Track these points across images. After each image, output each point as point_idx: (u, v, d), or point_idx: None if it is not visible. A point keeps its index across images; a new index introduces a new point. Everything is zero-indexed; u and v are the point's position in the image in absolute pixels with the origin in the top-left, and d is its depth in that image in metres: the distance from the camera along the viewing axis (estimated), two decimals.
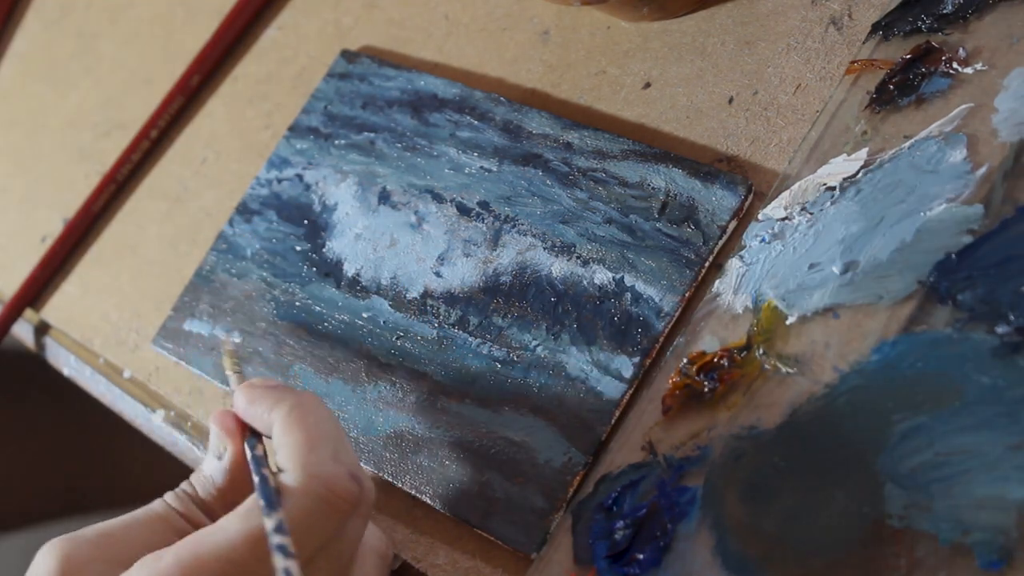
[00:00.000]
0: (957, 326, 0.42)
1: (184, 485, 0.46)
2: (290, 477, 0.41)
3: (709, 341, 0.47)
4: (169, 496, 0.45)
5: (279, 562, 0.38)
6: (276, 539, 0.39)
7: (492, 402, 0.51)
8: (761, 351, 0.46)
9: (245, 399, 0.45)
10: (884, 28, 0.50)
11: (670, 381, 0.47)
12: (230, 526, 0.40)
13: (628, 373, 0.49)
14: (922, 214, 0.45)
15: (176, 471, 0.75)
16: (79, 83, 0.76)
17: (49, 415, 1.07)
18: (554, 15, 0.59)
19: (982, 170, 0.44)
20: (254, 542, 0.40)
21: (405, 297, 0.55)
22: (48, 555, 0.42)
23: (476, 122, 0.57)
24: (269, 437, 0.44)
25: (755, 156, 0.51)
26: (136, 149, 0.69)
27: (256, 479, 0.42)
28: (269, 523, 0.40)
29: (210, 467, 0.46)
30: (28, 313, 0.70)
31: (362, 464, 0.52)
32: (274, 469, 0.42)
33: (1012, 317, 0.41)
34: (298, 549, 0.40)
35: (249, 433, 0.45)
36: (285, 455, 0.42)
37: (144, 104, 0.71)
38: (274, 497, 0.41)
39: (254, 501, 0.41)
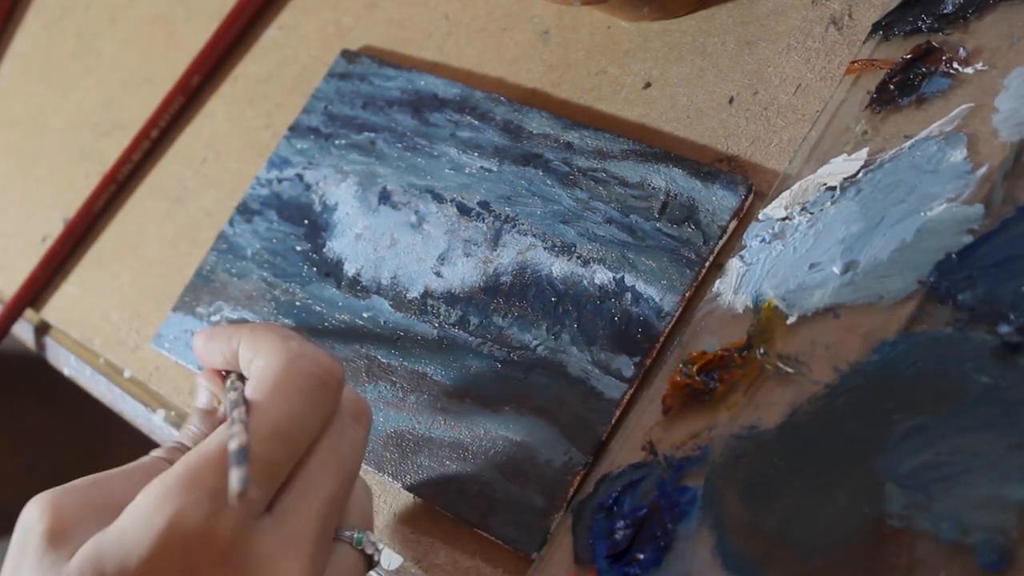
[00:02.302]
0: (957, 326, 0.42)
1: (171, 441, 0.46)
2: (273, 363, 0.41)
3: (709, 341, 0.47)
4: (158, 451, 0.45)
5: (234, 424, 0.39)
6: (234, 411, 0.39)
7: (492, 402, 0.51)
8: (761, 351, 0.46)
9: (203, 337, 0.45)
10: (884, 28, 0.50)
11: (670, 381, 0.47)
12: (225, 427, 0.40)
13: (628, 373, 0.49)
14: (922, 214, 0.45)
15: None
16: (79, 83, 0.76)
17: (49, 415, 1.07)
18: (554, 15, 0.59)
19: (982, 170, 0.44)
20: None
21: (405, 297, 0.55)
22: (35, 508, 0.40)
23: (476, 122, 0.57)
24: (237, 373, 0.44)
25: (755, 156, 0.51)
26: (136, 149, 0.69)
27: (228, 381, 0.43)
28: (229, 398, 0.40)
29: (194, 417, 0.46)
30: (28, 313, 0.70)
31: (362, 464, 0.53)
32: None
33: (1012, 317, 0.41)
34: (297, 431, 0.40)
35: (226, 374, 0.45)
36: (262, 353, 0.42)
37: (144, 104, 0.71)
38: (241, 394, 0.41)
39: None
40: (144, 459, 0.44)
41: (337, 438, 0.42)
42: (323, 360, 0.41)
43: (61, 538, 0.39)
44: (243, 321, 0.58)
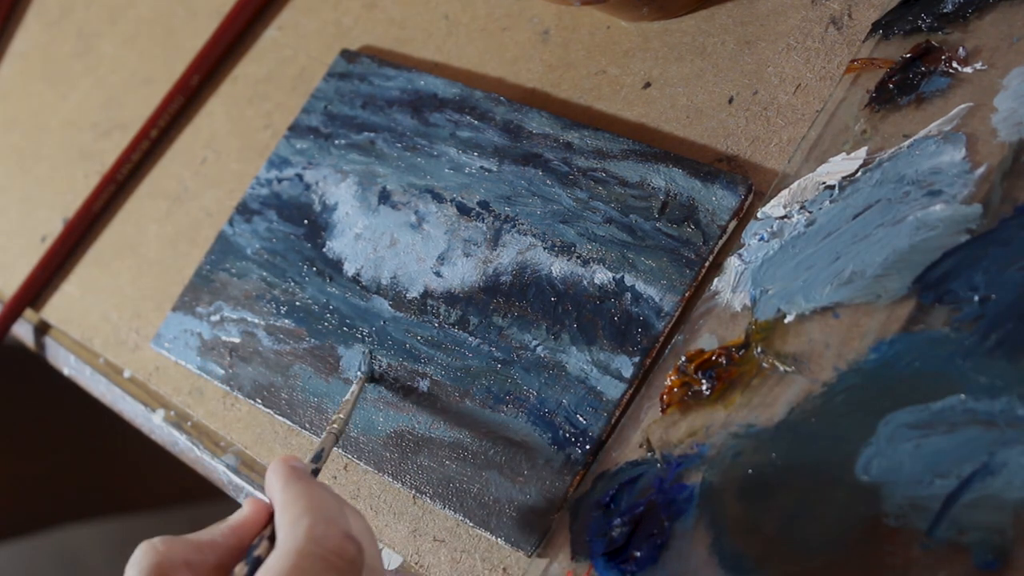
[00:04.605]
0: (954, 326, 0.42)
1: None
2: (286, 548, 0.42)
3: (708, 339, 0.47)
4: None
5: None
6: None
7: (492, 402, 0.51)
8: (759, 349, 0.46)
9: (270, 480, 0.46)
10: (884, 27, 0.50)
11: (669, 379, 0.47)
12: None
13: (628, 373, 0.49)
14: (920, 213, 0.45)
15: (176, 471, 0.75)
16: (79, 83, 0.76)
17: (49, 415, 1.07)
18: (554, 15, 0.59)
19: (981, 169, 0.44)
20: None
21: (405, 297, 0.55)
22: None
23: (476, 122, 0.57)
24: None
25: (755, 156, 0.51)
26: (136, 149, 0.69)
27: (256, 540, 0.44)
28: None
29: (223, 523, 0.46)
30: (28, 313, 0.70)
31: (362, 464, 0.53)
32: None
33: (1009, 317, 0.41)
34: None
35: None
36: (281, 531, 0.43)
37: (144, 104, 0.71)
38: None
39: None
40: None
41: None
42: (331, 541, 0.42)
43: None
44: (243, 321, 0.58)
